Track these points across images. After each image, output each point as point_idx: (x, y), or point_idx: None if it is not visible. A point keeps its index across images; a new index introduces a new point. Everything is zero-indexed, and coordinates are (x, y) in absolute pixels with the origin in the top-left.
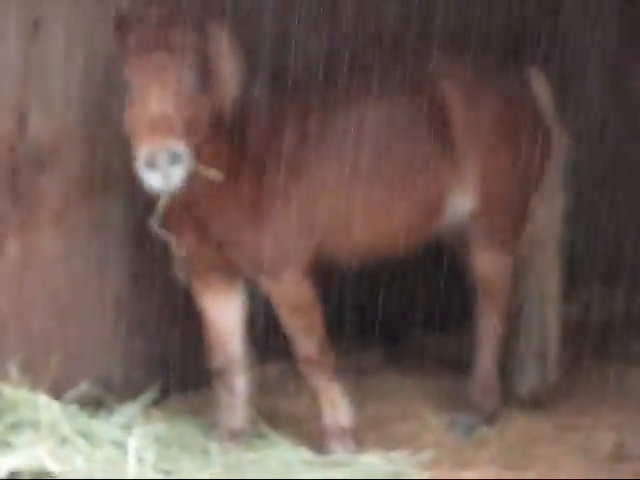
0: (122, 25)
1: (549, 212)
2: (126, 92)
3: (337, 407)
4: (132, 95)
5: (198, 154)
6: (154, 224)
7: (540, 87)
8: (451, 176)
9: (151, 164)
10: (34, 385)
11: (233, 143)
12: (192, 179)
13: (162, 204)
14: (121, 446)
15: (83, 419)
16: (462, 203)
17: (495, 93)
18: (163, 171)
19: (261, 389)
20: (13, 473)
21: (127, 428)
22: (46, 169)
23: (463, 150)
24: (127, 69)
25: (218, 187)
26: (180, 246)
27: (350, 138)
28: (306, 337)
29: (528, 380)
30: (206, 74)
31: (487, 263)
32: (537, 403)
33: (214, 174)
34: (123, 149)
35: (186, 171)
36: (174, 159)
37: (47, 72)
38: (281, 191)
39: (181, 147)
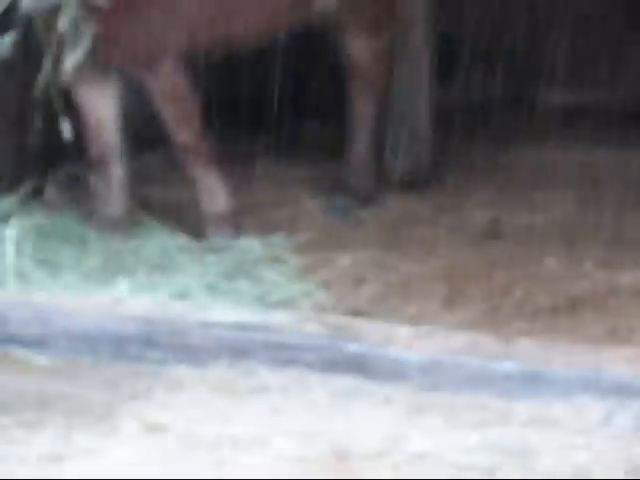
0: None
1: None
2: None
3: (214, 194)
4: None
5: None
6: None
7: None
8: None
9: None
10: None
11: None
12: None
13: None
14: None
15: None
16: None
17: None
18: None
19: (140, 179)
20: None
21: (4, 220)
22: None
23: None
24: None
25: None
26: None
27: None
28: (182, 126)
29: (401, 163)
30: None
31: (358, 48)
32: (411, 185)
33: None
34: None
35: None
36: None
37: None
38: None
39: None
